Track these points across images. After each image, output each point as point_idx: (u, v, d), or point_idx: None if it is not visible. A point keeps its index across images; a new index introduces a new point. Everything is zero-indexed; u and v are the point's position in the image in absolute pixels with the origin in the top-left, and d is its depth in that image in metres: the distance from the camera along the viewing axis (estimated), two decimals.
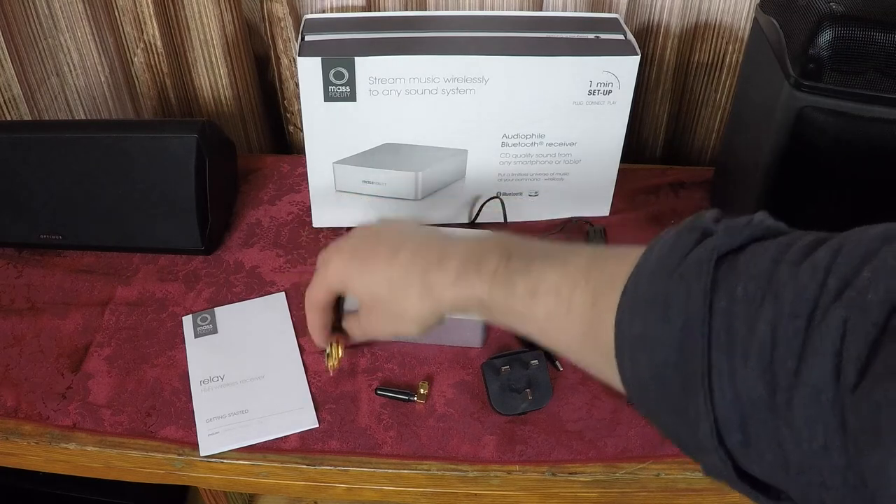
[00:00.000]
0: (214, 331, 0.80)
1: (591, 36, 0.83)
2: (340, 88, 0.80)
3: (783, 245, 0.36)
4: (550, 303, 0.44)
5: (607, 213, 0.94)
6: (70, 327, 0.80)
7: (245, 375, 0.75)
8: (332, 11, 1.00)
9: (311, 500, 1.09)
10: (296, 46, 0.81)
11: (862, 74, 0.65)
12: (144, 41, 1.01)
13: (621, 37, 0.83)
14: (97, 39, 0.98)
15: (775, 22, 0.73)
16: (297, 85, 0.94)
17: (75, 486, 0.99)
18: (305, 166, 0.86)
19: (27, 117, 0.94)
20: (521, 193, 0.91)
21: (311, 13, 1.00)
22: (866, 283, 0.32)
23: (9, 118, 0.93)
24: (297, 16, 1.00)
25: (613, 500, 0.71)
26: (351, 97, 0.80)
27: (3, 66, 0.89)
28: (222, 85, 1.05)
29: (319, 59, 0.77)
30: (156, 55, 1.02)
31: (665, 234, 0.40)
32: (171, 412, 0.72)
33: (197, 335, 0.79)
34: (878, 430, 0.29)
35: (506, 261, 0.47)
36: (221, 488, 0.92)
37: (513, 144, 0.86)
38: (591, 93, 0.82)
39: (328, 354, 0.69)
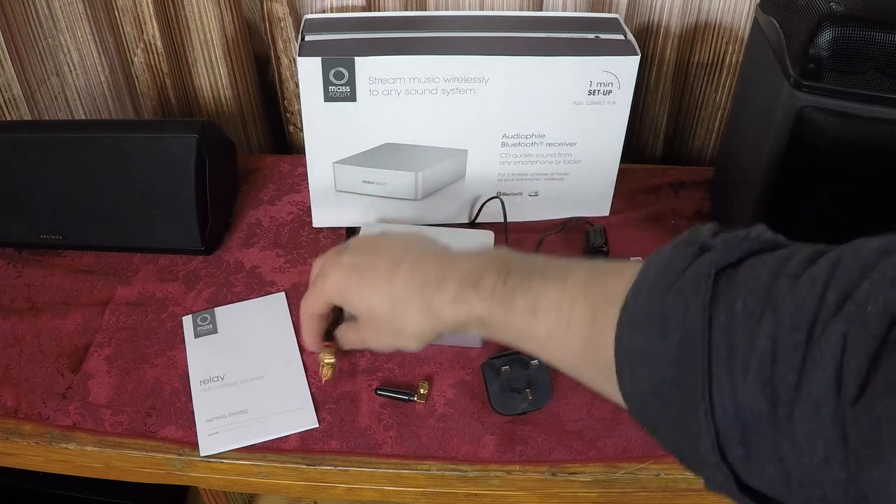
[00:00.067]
0: (214, 331, 0.80)
1: (591, 36, 0.83)
2: (340, 88, 0.80)
3: (782, 259, 0.36)
4: (550, 320, 0.44)
5: (607, 213, 0.94)
6: (70, 327, 0.80)
7: (245, 375, 0.75)
8: (332, 11, 1.00)
9: (311, 500, 1.09)
10: (296, 46, 0.81)
11: (862, 74, 0.65)
12: (144, 41, 1.01)
13: (621, 37, 0.83)
14: (97, 39, 0.98)
15: (775, 22, 0.73)
16: (297, 85, 0.94)
17: (75, 486, 0.99)
18: (305, 166, 0.86)
19: (27, 117, 0.94)
20: (521, 193, 0.91)
21: (311, 13, 1.00)
22: (866, 296, 0.32)
23: (9, 118, 0.93)
24: (297, 16, 1.00)
25: (613, 500, 0.71)
26: (351, 97, 0.80)
27: (3, 66, 0.89)
28: (222, 85, 1.05)
29: (319, 59, 0.77)
30: (156, 55, 1.02)
31: (663, 249, 0.40)
32: (171, 412, 0.72)
33: (197, 335, 0.79)
34: (878, 445, 0.29)
35: (504, 278, 0.47)
36: (221, 488, 0.92)
37: (513, 144, 0.86)
38: (591, 93, 0.82)
39: (323, 366, 0.69)
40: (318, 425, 0.71)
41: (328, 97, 0.80)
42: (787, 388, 0.32)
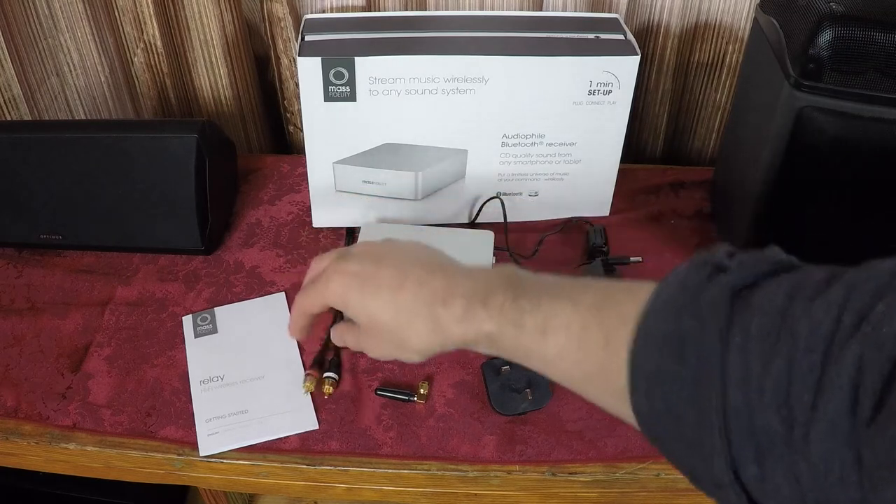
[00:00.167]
0: (214, 331, 0.80)
1: (591, 36, 0.83)
2: (340, 88, 0.80)
3: (797, 281, 0.36)
4: (560, 339, 0.44)
5: (607, 213, 0.94)
6: (70, 327, 0.80)
7: (245, 375, 0.75)
8: (332, 11, 1.00)
9: (311, 500, 1.09)
10: (296, 46, 0.81)
11: (862, 74, 0.65)
12: (144, 41, 1.01)
13: (621, 37, 0.83)
14: (97, 39, 0.98)
15: (775, 22, 0.73)
16: (297, 85, 0.94)
17: (75, 486, 0.99)
18: (305, 166, 0.86)
19: (27, 117, 0.94)
20: (521, 193, 0.91)
21: (311, 13, 1.00)
22: (881, 318, 0.32)
23: (9, 118, 0.93)
24: (297, 16, 1.00)
25: (613, 500, 0.71)
26: (351, 97, 0.80)
27: (3, 66, 0.89)
28: (222, 85, 1.05)
29: (319, 59, 0.77)
30: (156, 55, 1.02)
31: (678, 269, 0.40)
32: (171, 412, 0.72)
33: (197, 335, 0.79)
34: (893, 466, 0.29)
35: (513, 296, 0.47)
36: (221, 488, 0.92)
37: (513, 144, 0.86)
38: (591, 93, 0.82)
39: (311, 380, 0.74)
40: (317, 426, 0.71)
41: (328, 97, 0.80)
42: (802, 409, 0.33)
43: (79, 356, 0.78)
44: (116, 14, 0.99)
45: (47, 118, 0.97)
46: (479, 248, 0.82)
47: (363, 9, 0.99)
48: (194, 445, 0.70)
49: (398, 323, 0.51)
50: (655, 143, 1.10)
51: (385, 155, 0.85)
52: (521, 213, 0.92)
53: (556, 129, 0.85)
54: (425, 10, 0.98)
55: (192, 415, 0.72)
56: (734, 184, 0.86)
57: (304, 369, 0.76)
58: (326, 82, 0.79)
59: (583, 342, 0.43)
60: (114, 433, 0.71)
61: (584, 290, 0.46)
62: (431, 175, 0.87)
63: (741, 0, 0.96)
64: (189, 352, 0.78)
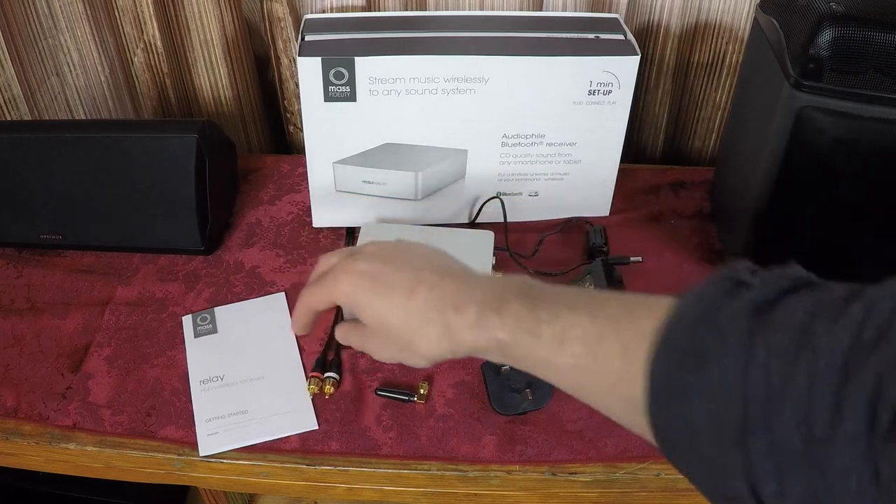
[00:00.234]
0: (214, 331, 0.80)
1: (591, 36, 0.83)
2: (340, 88, 0.80)
3: (818, 298, 0.37)
4: (577, 351, 0.44)
5: (607, 213, 0.94)
6: (70, 327, 0.80)
7: (245, 375, 0.75)
8: (332, 11, 1.00)
9: (311, 500, 1.09)
10: (296, 46, 0.81)
11: (862, 74, 0.65)
12: (144, 41, 1.01)
13: (621, 37, 0.83)
14: (97, 39, 0.98)
15: (775, 22, 0.73)
16: (297, 85, 0.94)
17: (75, 486, 0.99)
18: (305, 166, 0.86)
19: (27, 117, 0.94)
20: (521, 193, 0.91)
21: (311, 13, 1.00)
22: None
23: (9, 118, 0.93)
24: (297, 16, 1.00)
25: (613, 500, 0.71)
26: (351, 97, 0.80)
27: (3, 66, 0.89)
28: (222, 85, 1.05)
29: (319, 59, 0.77)
30: (156, 55, 1.02)
31: (698, 285, 0.40)
32: (171, 412, 0.72)
33: (197, 335, 0.79)
34: None
35: (529, 305, 0.47)
36: (221, 488, 0.92)
37: (513, 144, 0.86)
38: (591, 93, 0.82)
39: (315, 382, 0.74)
40: (317, 426, 0.71)
41: (328, 97, 0.80)
42: (822, 425, 0.33)
43: (79, 356, 0.78)
44: (116, 14, 0.99)
45: (47, 118, 0.97)
46: (479, 248, 0.82)
47: (363, 9, 0.99)
48: (194, 445, 0.70)
49: (407, 326, 0.51)
50: (655, 143, 1.10)
51: (385, 155, 0.85)
52: (521, 213, 0.92)
53: (556, 129, 0.85)
54: (425, 10, 0.98)
55: (192, 415, 0.72)
56: (734, 184, 0.86)
57: (305, 369, 0.76)
58: (326, 82, 0.79)
59: (600, 353, 0.43)
60: (114, 433, 0.71)
61: (602, 302, 0.46)
62: (431, 175, 0.87)
63: (741, 0, 0.96)
64: (189, 352, 0.78)
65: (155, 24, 0.98)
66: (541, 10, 0.97)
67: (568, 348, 0.44)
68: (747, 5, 0.97)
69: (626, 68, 0.81)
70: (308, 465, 0.69)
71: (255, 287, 0.85)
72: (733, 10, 0.98)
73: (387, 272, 0.52)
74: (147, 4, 0.97)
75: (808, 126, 0.68)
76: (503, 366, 0.72)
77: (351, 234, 0.91)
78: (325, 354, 0.77)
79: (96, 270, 0.87)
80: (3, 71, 0.89)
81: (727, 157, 0.90)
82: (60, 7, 0.94)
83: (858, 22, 0.64)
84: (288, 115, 1.09)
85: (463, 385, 0.75)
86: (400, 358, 0.53)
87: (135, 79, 1.05)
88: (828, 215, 0.74)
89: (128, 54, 1.03)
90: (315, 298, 0.55)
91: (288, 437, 0.71)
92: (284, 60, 1.03)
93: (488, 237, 0.83)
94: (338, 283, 0.53)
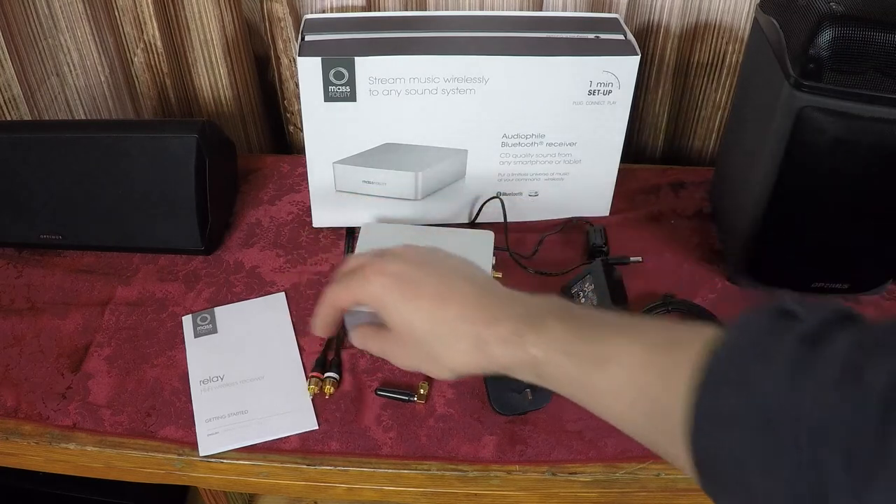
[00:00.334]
0: (214, 331, 0.80)
1: (591, 36, 0.83)
2: (340, 88, 0.80)
3: (863, 331, 0.37)
4: (615, 374, 0.44)
5: (607, 213, 0.94)
6: (70, 327, 0.80)
7: (245, 375, 0.75)
8: (332, 11, 1.00)
9: (311, 500, 1.09)
10: (296, 46, 0.81)
11: (862, 74, 0.65)
12: (144, 41, 1.01)
13: (621, 37, 0.83)
14: (97, 39, 0.98)
15: (775, 22, 0.73)
16: (297, 85, 0.94)
17: (75, 486, 0.99)
18: (305, 166, 0.86)
19: (27, 117, 0.94)
20: (521, 193, 0.91)
21: (311, 13, 1.00)
22: None
23: (9, 118, 0.93)
24: (297, 16, 1.00)
25: (613, 500, 0.71)
26: (351, 97, 0.80)
27: (3, 66, 0.89)
28: (222, 85, 1.05)
29: (319, 59, 0.77)
30: (156, 55, 1.02)
31: (745, 315, 0.40)
32: (171, 412, 0.72)
33: (197, 335, 0.79)
34: None
35: (570, 326, 0.46)
36: (221, 488, 0.92)
37: (513, 144, 0.86)
38: (591, 93, 0.82)
39: (315, 383, 0.74)
40: (317, 426, 0.71)
41: (328, 97, 0.80)
42: (868, 458, 0.33)
43: (79, 356, 0.78)
44: (116, 14, 0.99)
45: (47, 118, 0.97)
46: (479, 248, 0.81)
47: (363, 9, 0.99)
48: (194, 445, 0.70)
49: (435, 336, 0.49)
50: (655, 143, 1.10)
51: (385, 155, 0.85)
52: (521, 213, 0.92)
53: (556, 129, 0.85)
54: (425, 10, 0.98)
55: (192, 415, 0.72)
56: (734, 184, 0.86)
57: (305, 369, 0.76)
58: (326, 82, 0.79)
59: (639, 379, 0.43)
60: (114, 433, 0.71)
61: (643, 328, 0.45)
62: (431, 175, 0.87)
63: (741, 0, 0.96)
64: (189, 352, 0.78)
65: (155, 24, 0.98)
66: (541, 10, 0.97)
67: (606, 370, 0.44)
68: (747, 5, 0.97)
69: (626, 68, 0.81)
70: (308, 465, 0.69)
71: (255, 287, 0.85)
72: (733, 10, 0.98)
73: (419, 277, 0.51)
74: (147, 4, 0.97)
75: (808, 126, 0.68)
76: None
77: (351, 234, 0.91)
78: (325, 354, 0.77)
79: (96, 270, 0.87)
80: (3, 71, 0.89)
81: (727, 158, 0.90)
82: (60, 7, 0.94)
83: (858, 22, 0.64)
84: (288, 115, 1.09)
85: (463, 385, 0.75)
86: (423, 368, 0.52)
87: (135, 79, 1.05)
88: (828, 215, 0.74)
89: (128, 54, 1.03)
90: (341, 296, 0.53)
91: (288, 437, 0.71)
92: (284, 60, 1.03)
93: (488, 237, 0.83)
94: (367, 283, 0.51)
